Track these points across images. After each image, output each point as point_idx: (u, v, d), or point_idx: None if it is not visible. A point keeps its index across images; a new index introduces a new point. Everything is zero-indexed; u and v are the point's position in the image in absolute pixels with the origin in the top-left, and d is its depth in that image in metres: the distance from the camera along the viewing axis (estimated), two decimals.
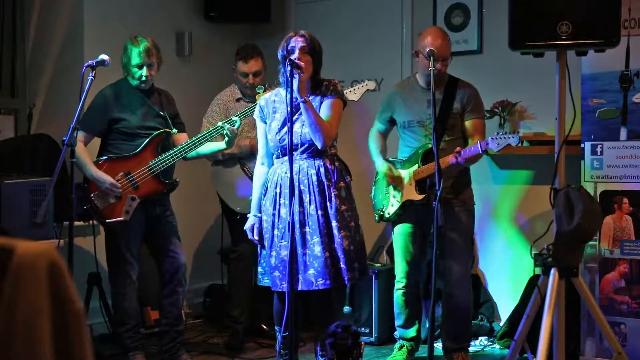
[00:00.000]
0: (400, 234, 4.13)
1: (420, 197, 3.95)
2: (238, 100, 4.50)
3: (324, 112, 3.46)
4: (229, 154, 4.35)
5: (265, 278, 3.57)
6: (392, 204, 4.10)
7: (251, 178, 4.35)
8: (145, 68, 3.90)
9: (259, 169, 3.65)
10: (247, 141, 4.40)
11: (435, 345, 4.14)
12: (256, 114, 3.64)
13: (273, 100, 3.58)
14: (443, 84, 4.02)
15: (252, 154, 4.26)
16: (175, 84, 4.45)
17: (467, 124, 4.00)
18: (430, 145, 3.91)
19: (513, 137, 3.69)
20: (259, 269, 3.62)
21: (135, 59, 3.89)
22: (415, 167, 4.00)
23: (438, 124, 3.94)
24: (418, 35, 4.14)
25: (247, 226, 3.60)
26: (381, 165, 4.09)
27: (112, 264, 4.02)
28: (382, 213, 4.16)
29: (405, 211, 4.06)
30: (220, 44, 5.53)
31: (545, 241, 3.01)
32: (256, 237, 3.55)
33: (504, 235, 4.88)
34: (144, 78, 3.91)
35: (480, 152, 3.75)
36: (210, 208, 4.98)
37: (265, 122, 3.59)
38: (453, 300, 4.02)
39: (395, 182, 4.03)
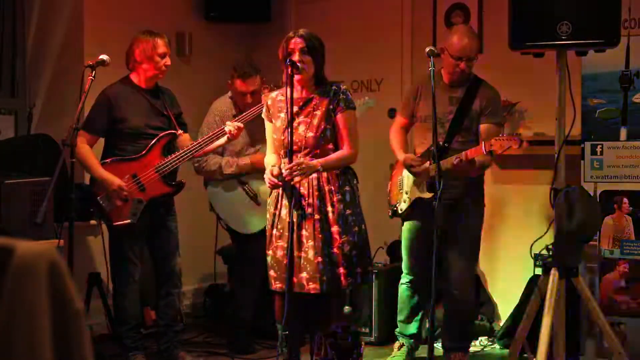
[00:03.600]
0: (407, 230, 4.14)
1: (429, 195, 3.93)
2: (235, 116, 4.32)
3: (341, 128, 3.52)
4: (229, 174, 4.33)
5: (277, 282, 3.54)
6: (404, 201, 4.10)
7: (252, 197, 4.35)
8: (168, 57, 3.96)
9: (269, 155, 3.64)
10: (247, 159, 4.33)
11: (435, 345, 4.14)
12: (264, 114, 3.68)
13: (279, 100, 3.60)
14: (466, 84, 3.99)
15: (256, 171, 4.27)
16: (175, 84, 4.45)
17: (482, 127, 3.93)
18: (443, 144, 3.92)
19: (516, 139, 3.68)
20: (272, 273, 3.55)
21: (161, 48, 3.92)
22: (427, 164, 3.98)
23: (454, 123, 3.94)
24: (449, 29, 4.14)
25: (266, 175, 3.49)
26: (401, 156, 4.01)
27: (115, 264, 4.02)
28: (395, 209, 4.16)
29: (416, 208, 4.04)
30: (220, 44, 5.53)
31: (545, 241, 3.01)
32: (275, 173, 3.44)
33: (504, 235, 4.88)
34: (165, 67, 3.96)
35: (484, 152, 3.72)
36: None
37: (272, 121, 3.61)
38: (454, 300, 4.02)
39: (420, 170, 3.92)
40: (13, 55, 4.82)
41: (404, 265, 4.19)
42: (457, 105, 3.95)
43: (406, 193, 4.09)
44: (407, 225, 4.14)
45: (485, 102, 3.93)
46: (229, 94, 4.47)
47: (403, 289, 4.20)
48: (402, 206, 4.10)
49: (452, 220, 3.91)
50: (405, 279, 4.19)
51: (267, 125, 3.66)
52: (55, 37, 4.83)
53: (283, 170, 3.39)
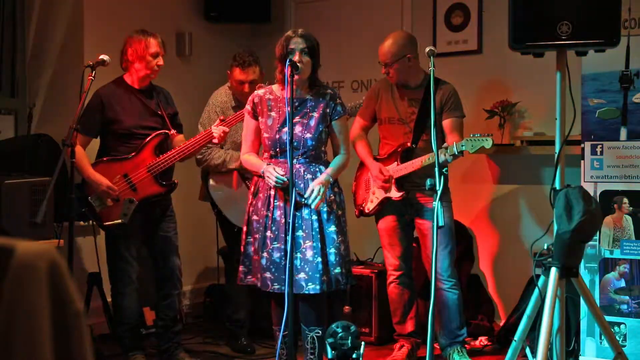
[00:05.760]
0: (384, 228, 4.18)
1: (399, 194, 4.01)
2: (234, 107, 4.37)
3: (338, 133, 3.59)
4: (233, 169, 4.33)
5: (249, 277, 3.57)
6: (371, 200, 4.17)
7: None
8: (160, 58, 3.94)
9: (249, 154, 3.62)
10: None
11: (435, 345, 4.14)
12: (247, 109, 3.62)
13: (268, 98, 3.57)
14: (423, 85, 4.08)
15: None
16: (175, 84, 4.45)
17: (445, 122, 4.05)
18: (409, 145, 4.04)
19: (487, 140, 3.74)
20: (242, 268, 3.60)
21: (153, 47, 3.91)
22: (394, 165, 4.04)
23: (417, 123, 4.01)
24: None
25: (271, 173, 3.44)
26: (374, 169, 4.10)
27: (112, 264, 4.02)
28: (362, 208, 4.22)
29: (384, 207, 4.13)
30: (220, 44, 5.53)
31: (545, 241, 3.00)
32: (281, 173, 3.41)
33: (504, 235, 4.88)
34: (157, 67, 3.94)
35: (456, 153, 3.77)
36: (210, 208, 4.97)
37: (257, 119, 3.58)
38: (439, 296, 4.02)
39: (387, 182, 4.05)
40: (13, 55, 4.81)
41: (388, 263, 4.21)
42: (417, 107, 4.06)
43: (373, 193, 4.16)
44: (382, 223, 4.19)
45: (444, 99, 4.04)
46: (228, 84, 4.47)
47: (392, 287, 4.21)
48: (370, 205, 4.17)
49: (444, 222, 3.95)
50: (391, 277, 4.21)
51: (249, 122, 3.61)
52: (55, 37, 4.83)
53: (281, 174, 3.41)
